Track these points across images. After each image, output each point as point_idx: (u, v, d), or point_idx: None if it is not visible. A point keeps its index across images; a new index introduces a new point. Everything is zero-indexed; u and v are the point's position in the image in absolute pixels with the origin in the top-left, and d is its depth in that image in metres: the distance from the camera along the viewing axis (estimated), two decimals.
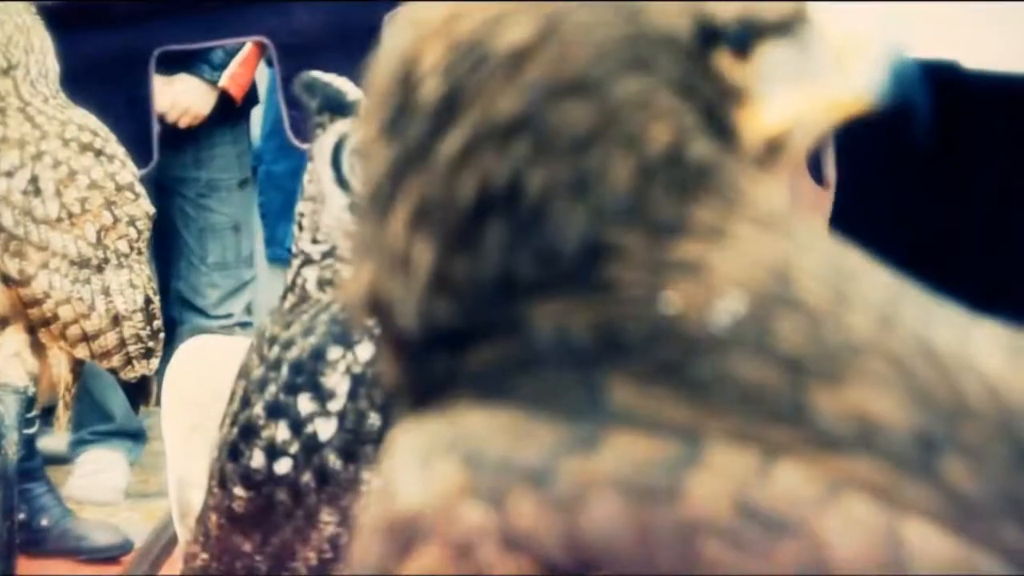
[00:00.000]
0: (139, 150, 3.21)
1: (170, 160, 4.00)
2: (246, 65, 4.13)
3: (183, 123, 4.09)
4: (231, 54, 4.08)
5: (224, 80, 4.10)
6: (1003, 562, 0.73)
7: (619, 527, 0.74)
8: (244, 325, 4.28)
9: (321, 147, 1.79)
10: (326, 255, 1.76)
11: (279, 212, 4.82)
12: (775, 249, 0.81)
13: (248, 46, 4.05)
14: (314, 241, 1.77)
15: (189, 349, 2.09)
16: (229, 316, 4.30)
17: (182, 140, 4.12)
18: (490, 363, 0.81)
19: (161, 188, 3.94)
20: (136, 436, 4.18)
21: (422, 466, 0.80)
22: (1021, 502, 0.75)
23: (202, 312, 4.27)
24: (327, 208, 1.77)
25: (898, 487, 0.74)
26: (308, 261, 1.77)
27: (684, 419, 0.77)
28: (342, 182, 1.76)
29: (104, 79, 3.44)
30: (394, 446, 0.84)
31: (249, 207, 4.49)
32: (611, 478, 0.75)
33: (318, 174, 1.78)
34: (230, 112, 4.22)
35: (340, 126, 1.77)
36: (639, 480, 0.75)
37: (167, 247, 4.24)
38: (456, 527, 0.77)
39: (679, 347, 0.78)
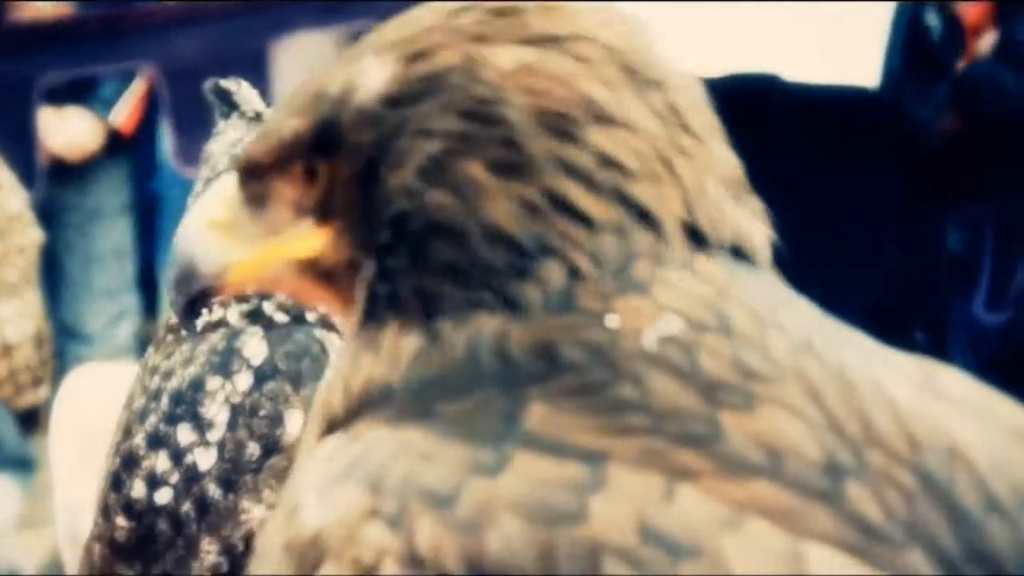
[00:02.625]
0: (22, 178, 3.18)
1: (53, 187, 3.95)
2: (138, 102, 4.10)
3: (72, 158, 4.05)
4: (121, 89, 4.04)
5: (118, 118, 4.06)
6: None
7: (522, 549, 0.75)
8: (127, 350, 4.24)
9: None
10: None
11: None
12: (713, 284, 0.84)
13: (139, 82, 4.02)
14: None
15: (78, 377, 2.07)
16: (112, 341, 4.25)
17: (65, 166, 4.08)
18: (431, 370, 0.84)
19: (43, 216, 3.90)
20: (25, 465, 4.14)
21: (326, 488, 0.81)
22: (925, 528, 0.77)
23: (86, 340, 4.22)
24: None
25: (802, 512, 0.76)
26: None
27: (592, 443, 0.78)
28: None
29: None
30: (299, 467, 0.86)
31: (130, 231, 4.44)
32: (515, 500, 0.76)
33: None
34: (117, 141, 4.19)
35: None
36: (543, 502, 0.76)
37: (46, 276, 4.18)
38: (359, 548, 0.78)
39: (608, 367, 0.81)
